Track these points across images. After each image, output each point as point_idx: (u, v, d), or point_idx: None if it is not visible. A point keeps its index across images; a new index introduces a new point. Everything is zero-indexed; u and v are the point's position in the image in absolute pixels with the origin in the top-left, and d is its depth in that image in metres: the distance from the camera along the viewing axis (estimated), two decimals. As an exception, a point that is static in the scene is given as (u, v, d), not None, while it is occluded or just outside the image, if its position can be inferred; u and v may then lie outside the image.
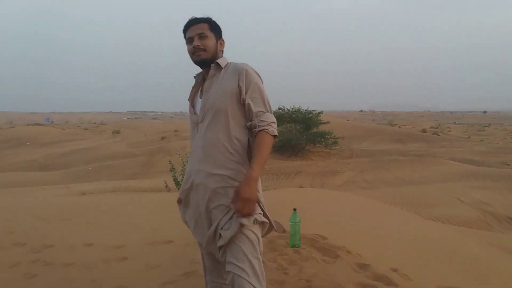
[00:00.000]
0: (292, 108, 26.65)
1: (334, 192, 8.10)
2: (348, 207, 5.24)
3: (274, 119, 1.79)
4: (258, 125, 1.75)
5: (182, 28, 1.90)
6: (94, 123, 75.92)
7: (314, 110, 27.20)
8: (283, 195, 6.93)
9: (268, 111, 1.80)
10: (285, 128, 25.60)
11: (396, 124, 49.95)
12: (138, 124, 62.31)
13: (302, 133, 24.73)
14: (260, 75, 1.88)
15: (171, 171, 9.54)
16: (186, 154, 9.79)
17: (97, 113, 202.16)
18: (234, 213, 1.67)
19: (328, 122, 26.57)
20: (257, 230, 1.71)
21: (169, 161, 9.86)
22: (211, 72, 1.86)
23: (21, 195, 11.27)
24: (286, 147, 24.01)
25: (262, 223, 1.74)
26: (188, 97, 2.00)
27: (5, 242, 4.01)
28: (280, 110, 26.73)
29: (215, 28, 1.90)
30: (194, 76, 1.99)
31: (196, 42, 1.83)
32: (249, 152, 1.79)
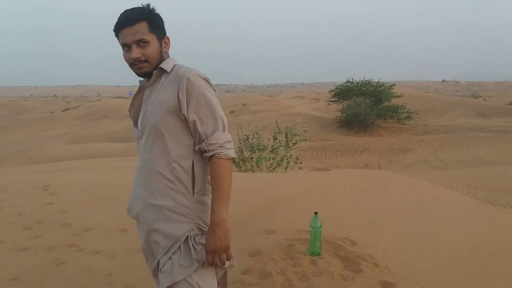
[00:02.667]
0: (362, 81, 25.33)
1: (395, 176, 7.49)
2: (401, 199, 4.75)
3: (228, 138, 1.46)
4: (208, 150, 1.43)
5: (113, 27, 1.49)
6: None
7: (386, 83, 25.62)
8: (334, 177, 6.58)
9: (219, 129, 1.45)
10: (353, 102, 24.52)
11: (481, 96, 45.36)
12: (210, 97, 64.00)
13: (371, 107, 23.50)
14: (209, 80, 1.51)
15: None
16: (242, 131, 9.76)
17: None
18: (173, 253, 1.43)
19: (401, 95, 24.90)
20: (203, 274, 1.44)
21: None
22: (153, 78, 1.52)
23: (95, 167, 12.16)
24: (354, 122, 23.08)
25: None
26: (128, 107, 1.67)
27: (54, 222, 4.25)
28: (349, 83, 25.58)
29: (156, 26, 1.50)
30: (140, 81, 1.61)
31: (135, 54, 1.45)
32: (201, 176, 1.49)
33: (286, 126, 9.72)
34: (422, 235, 3.25)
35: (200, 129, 1.44)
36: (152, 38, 1.48)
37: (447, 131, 21.16)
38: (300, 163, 9.83)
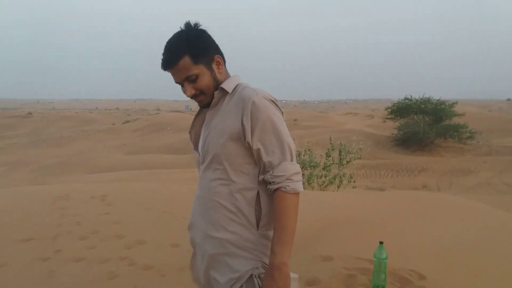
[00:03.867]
0: (421, 98, 24.26)
1: (458, 200, 6.93)
2: (468, 226, 4.33)
3: (297, 169, 1.30)
4: (273, 182, 1.28)
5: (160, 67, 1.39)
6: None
7: (447, 101, 24.35)
8: (391, 198, 6.19)
9: (287, 159, 1.30)
10: (411, 120, 23.50)
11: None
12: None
13: (431, 126, 22.36)
14: (277, 102, 1.36)
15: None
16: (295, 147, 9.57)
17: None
18: None
19: (463, 114, 23.51)
20: None
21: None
22: (214, 100, 1.40)
23: (150, 178, 12.52)
24: (411, 140, 22.06)
25: None
26: (189, 129, 1.55)
27: (109, 233, 4.32)
28: (407, 100, 24.60)
29: (200, 54, 1.35)
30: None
31: (188, 92, 1.37)
32: (267, 209, 1.34)
33: (340, 143, 9.43)
34: (499, 270, 2.88)
35: (265, 159, 1.30)
36: (200, 70, 1.36)
37: (514, 153, 19.56)
38: (354, 181, 9.47)
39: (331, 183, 8.75)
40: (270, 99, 1.34)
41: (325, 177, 8.82)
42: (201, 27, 1.38)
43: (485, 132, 24.56)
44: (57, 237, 4.22)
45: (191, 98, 1.39)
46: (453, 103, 24.08)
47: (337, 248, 3.16)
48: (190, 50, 1.33)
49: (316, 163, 8.90)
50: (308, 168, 8.80)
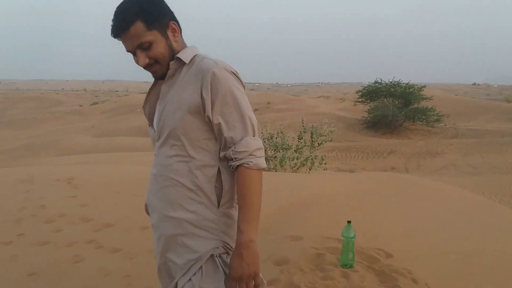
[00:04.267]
0: (391, 82, 24.73)
1: (426, 182, 7.17)
2: (435, 207, 4.48)
3: (259, 144, 1.23)
4: (235, 158, 1.21)
5: (110, 34, 1.25)
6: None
7: (416, 84, 24.93)
8: (360, 180, 6.32)
9: (249, 134, 1.22)
10: (381, 103, 23.95)
11: (515, 100, 43.59)
12: (234, 94, 63.86)
13: (400, 109, 22.88)
14: (238, 74, 1.27)
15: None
16: (266, 130, 9.59)
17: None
18: (194, 274, 1.24)
19: (431, 98, 24.18)
20: None
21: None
22: (170, 71, 1.28)
23: (118, 161, 12.25)
24: (381, 123, 22.54)
25: None
26: (142, 104, 1.43)
27: (76, 217, 4.20)
28: (377, 84, 25.03)
29: (153, 19, 1.23)
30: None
31: (141, 61, 1.25)
32: (228, 186, 1.27)
33: (312, 125, 9.50)
34: (463, 249, 2.99)
35: (226, 134, 1.22)
36: (154, 36, 1.24)
37: (478, 135, 20.35)
38: (325, 163, 9.59)
39: (303, 165, 8.83)
40: (231, 70, 1.25)
41: (297, 159, 8.89)
42: None
43: (452, 116, 25.37)
44: (21, 221, 4.07)
45: (144, 68, 1.27)
46: (421, 87, 24.68)
47: (306, 228, 3.19)
48: (143, 15, 1.21)
49: (288, 145, 8.93)
50: (280, 151, 8.83)
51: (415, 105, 23.61)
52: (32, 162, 13.68)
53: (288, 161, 8.75)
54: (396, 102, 23.61)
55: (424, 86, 25.40)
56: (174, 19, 1.29)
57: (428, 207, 4.33)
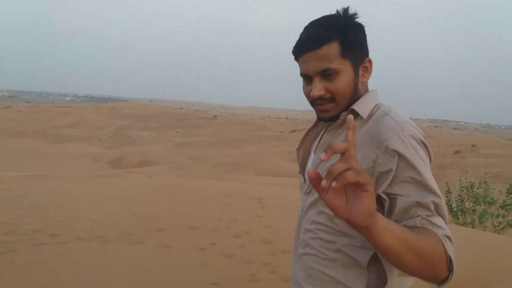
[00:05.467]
0: None
1: None
2: None
3: (450, 234, 0.88)
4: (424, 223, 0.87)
5: (293, 48, 1.05)
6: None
7: None
8: None
9: (443, 216, 0.90)
10: None
11: None
12: (435, 133, 58.87)
13: None
14: (425, 141, 0.96)
15: (446, 194, 8.40)
16: (466, 178, 8.44)
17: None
18: None
19: None
20: None
21: (446, 182, 8.71)
22: (339, 121, 1.06)
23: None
24: None
25: None
26: (297, 146, 1.23)
27: (259, 236, 4.63)
28: None
29: (353, 47, 1.02)
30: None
31: (317, 90, 1.01)
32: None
33: (528, 179, 7.90)
34: None
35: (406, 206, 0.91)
36: (344, 66, 1.01)
37: None
38: (543, 229, 7.78)
39: (510, 226, 7.40)
40: (419, 138, 0.95)
41: (503, 217, 7.51)
42: (358, 20, 1.04)
43: None
44: (216, 231, 4.76)
45: (312, 101, 1.06)
46: None
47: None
48: (344, 36, 0.99)
49: (492, 199, 7.66)
50: (481, 204, 7.64)
51: None
52: (234, 177, 15.71)
53: (490, 218, 7.49)
54: None
55: None
56: (368, 56, 1.07)
57: None
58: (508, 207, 7.59)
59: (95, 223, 4.98)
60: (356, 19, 1.03)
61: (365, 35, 1.06)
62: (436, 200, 0.89)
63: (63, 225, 4.82)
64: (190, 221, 5.14)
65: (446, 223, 0.90)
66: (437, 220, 0.88)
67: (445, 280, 0.84)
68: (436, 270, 0.82)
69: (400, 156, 0.91)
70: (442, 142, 36.75)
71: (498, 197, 7.79)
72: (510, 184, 8.02)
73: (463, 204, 7.88)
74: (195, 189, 7.88)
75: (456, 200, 7.98)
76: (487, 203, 7.65)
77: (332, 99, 1.03)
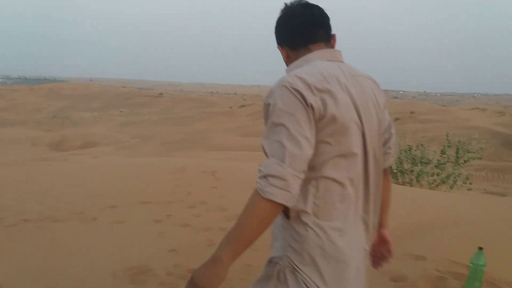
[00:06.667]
0: None
1: None
2: None
3: (279, 172, 1.03)
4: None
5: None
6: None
7: None
8: (507, 206, 5.50)
9: (274, 157, 1.06)
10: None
11: None
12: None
13: None
14: (304, 93, 1.09)
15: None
16: (405, 141, 9.03)
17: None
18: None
19: None
20: None
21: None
22: None
23: (258, 160, 13.08)
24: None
25: None
26: None
27: (214, 205, 4.72)
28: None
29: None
30: None
31: None
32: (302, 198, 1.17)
33: (459, 140, 8.62)
34: None
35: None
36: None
37: None
38: (470, 183, 8.59)
39: (443, 182, 8.09)
40: (293, 87, 1.10)
41: (437, 175, 8.19)
42: None
43: None
44: (170, 204, 4.78)
45: None
46: None
47: (433, 249, 2.99)
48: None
49: (428, 159, 8.30)
50: (418, 165, 8.26)
51: None
52: (185, 154, 15.60)
53: (426, 177, 8.14)
54: None
55: None
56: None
57: None
58: (441, 166, 8.27)
59: (42, 205, 4.80)
60: None
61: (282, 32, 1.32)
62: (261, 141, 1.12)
63: (7, 209, 4.60)
64: (143, 197, 5.11)
65: (284, 161, 1.05)
66: (262, 164, 1.07)
67: (278, 199, 1.03)
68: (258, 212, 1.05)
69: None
70: (383, 111, 38.50)
71: (432, 158, 8.45)
72: (444, 145, 8.72)
73: (402, 166, 8.47)
74: (146, 166, 7.77)
75: (395, 162, 8.54)
76: (423, 164, 8.28)
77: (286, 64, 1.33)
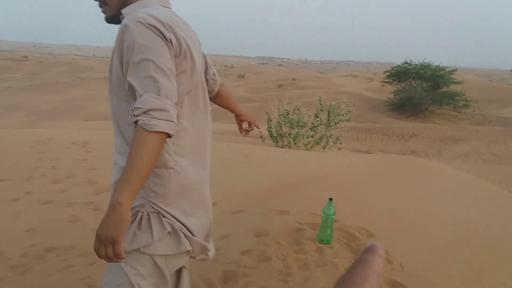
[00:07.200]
0: (421, 63, 23.89)
1: (439, 167, 7.02)
2: (435, 191, 4.40)
3: (159, 105, 1.07)
4: (133, 114, 1.09)
5: None
6: (225, 66, 79.49)
7: (447, 67, 23.98)
8: (371, 161, 6.26)
9: (149, 91, 1.08)
10: (408, 85, 23.26)
11: (556, 89, 41.33)
12: (262, 70, 63.44)
13: (427, 92, 22.15)
14: (161, 28, 1.13)
15: (267, 122, 9.30)
16: (283, 106, 9.52)
17: (229, 57, 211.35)
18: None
19: (461, 82, 23.25)
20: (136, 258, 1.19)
21: (267, 112, 9.65)
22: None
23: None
24: (406, 106, 21.93)
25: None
26: None
27: (82, 179, 4.36)
28: (406, 65, 24.25)
29: None
30: None
31: None
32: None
33: (330, 104, 9.38)
34: (451, 234, 2.96)
35: (136, 89, 1.12)
36: None
37: (507, 123, 19.56)
38: (340, 143, 9.51)
39: (317, 143, 8.79)
40: (149, 23, 1.11)
41: (312, 137, 8.84)
42: None
43: (483, 102, 24.37)
44: (30, 180, 4.28)
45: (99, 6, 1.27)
46: (452, 70, 23.71)
47: (296, 204, 3.22)
48: None
49: (303, 123, 8.88)
50: (295, 128, 8.80)
51: (444, 89, 22.79)
52: (56, 125, 14.16)
53: (302, 139, 8.73)
54: (424, 85, 22.84)
55: (456, 70, 24.38)
56: None
57: (429, 192, 4.26)
58: (315, 129, 8.94)
59: None
60: None
61: None
62: (128, 79, 1.14)
63: None
64: (-3, 173, 4.47)
65: (160, 94, 1.09)
66: (141, 100, 1.08)
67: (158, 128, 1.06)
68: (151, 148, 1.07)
69: None
70: (268, 78, 40.03)
71: (307, 121, 9.07)
72: (317, 109, 9.41)
73: (281, 129, 8.92)
74: (3, 139, 6.81)
75: (275, 127, 8.96)
76: (299, 127, 8.84)
77: (105, 2, 1.25)
